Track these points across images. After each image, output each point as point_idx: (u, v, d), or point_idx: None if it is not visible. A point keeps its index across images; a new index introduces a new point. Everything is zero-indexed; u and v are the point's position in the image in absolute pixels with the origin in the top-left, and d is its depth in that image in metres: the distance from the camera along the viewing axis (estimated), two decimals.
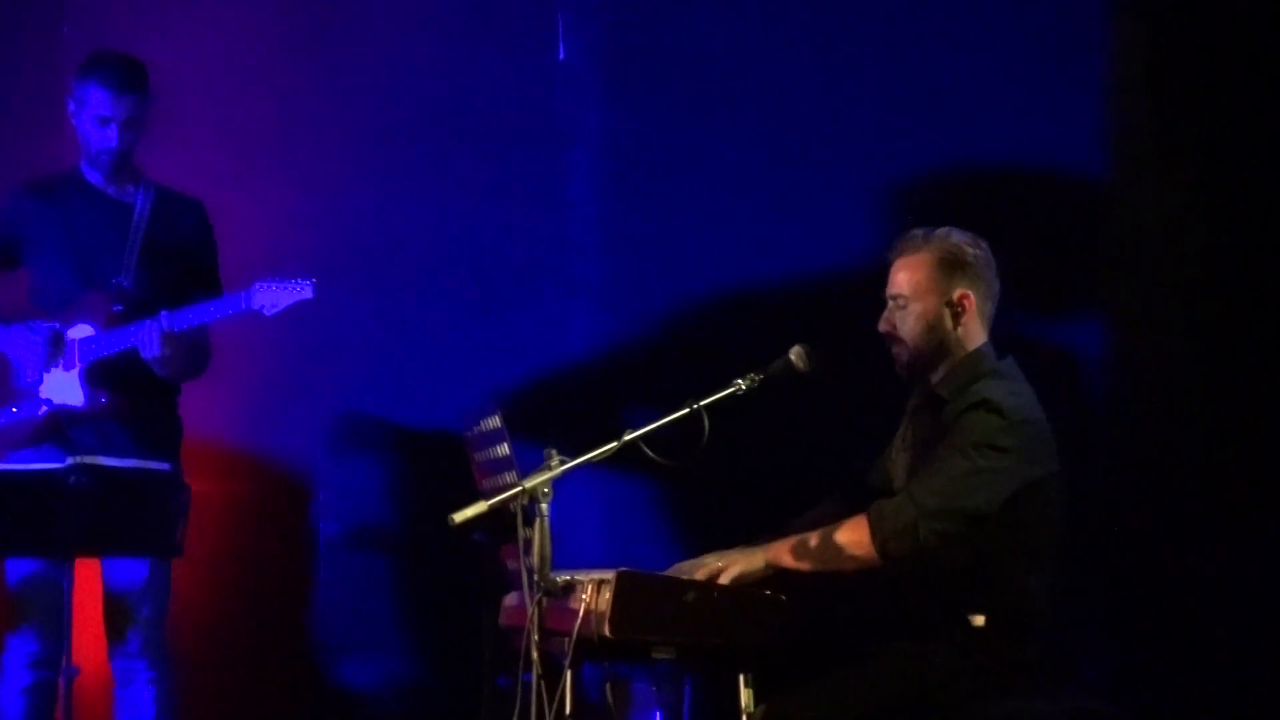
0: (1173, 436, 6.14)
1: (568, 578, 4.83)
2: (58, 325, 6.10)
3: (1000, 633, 5.04)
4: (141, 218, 6.19)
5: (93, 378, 6.07)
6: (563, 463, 4.73)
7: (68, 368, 6.08)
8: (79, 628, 5.87)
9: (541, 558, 4.68)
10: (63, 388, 6.08)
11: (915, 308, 5.19)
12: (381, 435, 7.16)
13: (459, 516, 4.65)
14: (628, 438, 4.83)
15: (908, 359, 5.23)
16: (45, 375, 6.08)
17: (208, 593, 6.84)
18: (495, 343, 7.12)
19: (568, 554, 4.87)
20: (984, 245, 5.23)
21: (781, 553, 5.04)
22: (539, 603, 4.69)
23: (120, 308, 6.09)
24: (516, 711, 4.76)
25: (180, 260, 6.22)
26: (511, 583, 5.08)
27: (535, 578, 4.69)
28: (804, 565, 5.02)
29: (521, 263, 7.21)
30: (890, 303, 5.25)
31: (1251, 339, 5.98)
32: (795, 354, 5.07)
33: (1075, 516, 5.21)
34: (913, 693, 5.00)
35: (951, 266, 5.19)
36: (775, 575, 5.03)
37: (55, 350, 6.08)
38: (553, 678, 4.73)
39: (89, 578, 6.11)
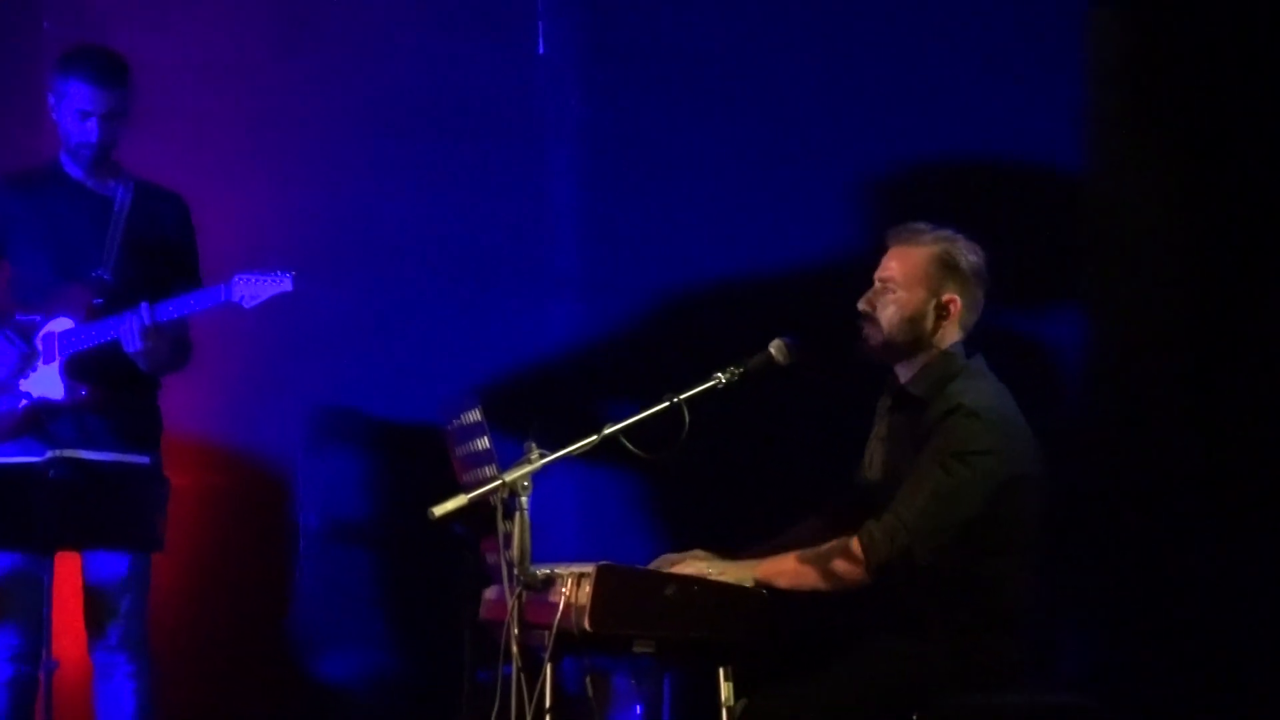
0: (1152, 430, 6.14)
1: (548, 571, 4.81)
2: (38, 322, 6.09)
3: (983, 629, 5.05)
4: (122, 211, 6.17)
5: (72, 371, 6.06)
6: (543, 456, 4.73)
7: (47, 361, 6.07)
8: (59, 621, 5.88)
9: (521, 551, 4.69)
10: (42, 381, 6.07)
11: (901, 296, 5.19)
12: (361, 428, 7.14)
13: (439, 510, 4.65)
14: (608, 431, 4.83)
15: (878, 343, 5.21)
16: (20, 381, 6.07)
17: (188, 586, 6.82)
18: (475, 336, 7.11)
19: (548, 547, 4.86)
20: (983, 257, 5.23)
21: (774, 574, 5.02)
22: (519, 596, 4.69)
23: (100, 301, 6.07)
24: (496, 705, 4.75)
25: (161, 254, 6.21)
26: (491, 576, 5.06)
27: (515, 571, 4.69)
28: (794, 585, 5.01)
29: (501, 256, 7.19)
30: (877, 284, 5.24)
31: (1231, 330, 5.98)
32: (775, 348, 5.06)
33: (1055, 512, 5.20)
34: (894, 688, 5.00)
35: (948, 268, 5.19)
36: None
37: (24, 365, 6.06)
38: (533, 671, 4.72)
39: (69, 571, 6.09)
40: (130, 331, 5.95)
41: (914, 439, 5.13)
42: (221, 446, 7.04)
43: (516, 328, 7.15)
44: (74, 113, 6.11)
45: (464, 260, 7.17)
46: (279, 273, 5.94)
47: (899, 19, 6.65)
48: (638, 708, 5.59)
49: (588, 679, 5.03)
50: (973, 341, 5.24)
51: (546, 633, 4.77)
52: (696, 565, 5.08)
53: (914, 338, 5.20)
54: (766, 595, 4.95)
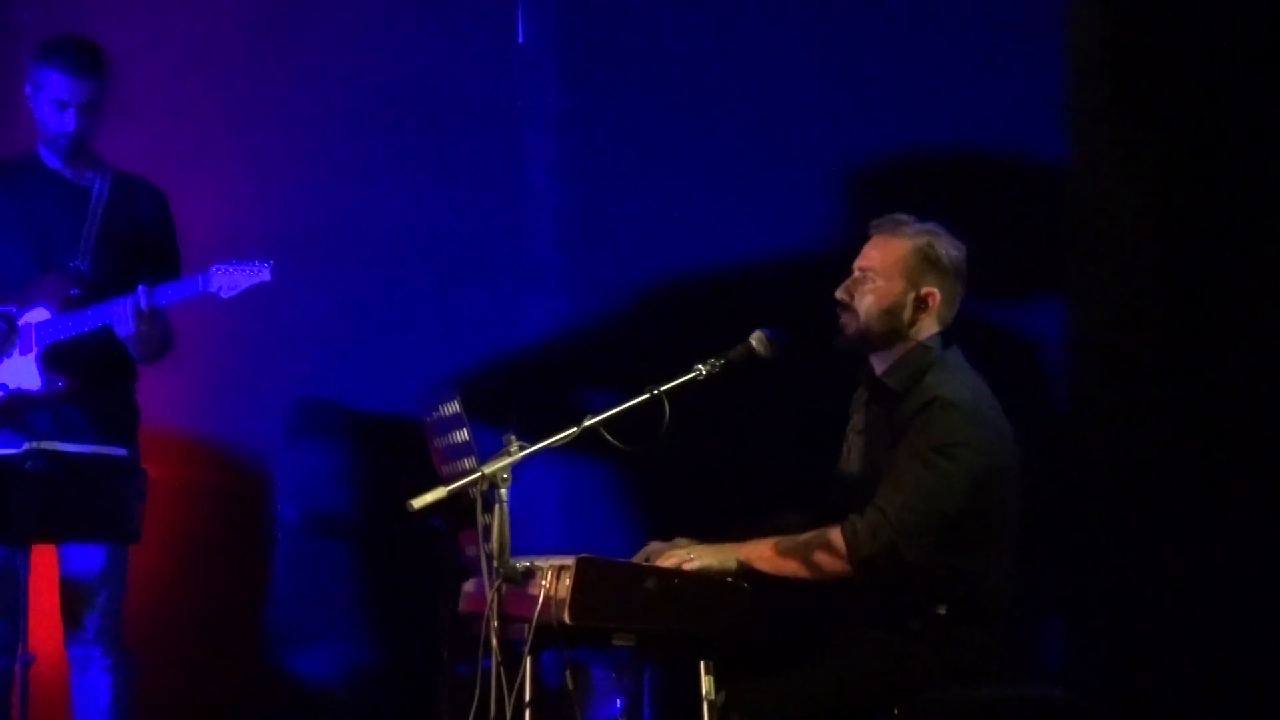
0: (1133, 423, 6.13)
1: (527, 564, 4.80)
2: (14, 313, 6.06)
3: (962, 621, 5.05)
4: (99, 201, 6.17)
5: (49, 362, 6.05)
6: (522, 448, 4.70)
7: (24, 352, 6.05)
8: (35, 614, 5.83)
9: (501, 544, 4.66)
10: (19, 372, 6.06)
11: (879, 286, 5.18)
12: (340, 421, 7.14)
13: (418, 502, 4.63)
14: (588, 423, 4.80)
15: (854, 332, 5.21)
16: None
17: (165, 579, 6.82)
18: (454, 327, 7.10)
19: (527, 540, 4.84)
20: (964, 253, 5.22)
21: (755, 558, 5.01)
22: (498, 589, 4.66)
23: (77, 291, 6.07)
24: (476, 698, 4.72)
25: (139, 245, 6.20)
26: (471, 569, 5.04)
27: (495, 564, 4.66)
28: (777, 572, 5.00)
29: (480, 247, 7.18)
30: (856, 273, 5.23)
31: (1213, 322, 5.98)
32: (756, 339, 5.04)
33: (1034, 505, 5.21)
34: (875, 681, 5.01)
35: (929, 261, 5.19)
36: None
37: (4, 345, 6.04)
38: (512, 664, 4.69)
39: (45, 564, 6.07)
40: (124, 315, 5.93)
41: (891, 431, 5.12)
42: (199, 439, 7.05)
43: (496, 319, 7.15)
44: (51, 103, 6.10)
45: (442, 251, 7.17)
46: (257, 263, 5.94)
47: (881, 10, 6.64)
48: (618, 701, 5.60)
49: (568, 672, 5.04)
50: (950, 335, 5.23)
51: (526, 626, 4.75)
52: (678, 553, 5.06)
53: (890, 329, 5.19)
54: (747, 588, 4.93)
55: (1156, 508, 6.03)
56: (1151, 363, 6.11)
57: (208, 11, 7.11)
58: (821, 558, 4.97)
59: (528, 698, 4.72)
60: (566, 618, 4.73)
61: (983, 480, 5.01)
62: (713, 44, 6.90)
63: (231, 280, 5.91)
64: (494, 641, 4.65)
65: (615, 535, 6.62)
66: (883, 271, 5.19)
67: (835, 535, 4.97)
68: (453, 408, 4.97)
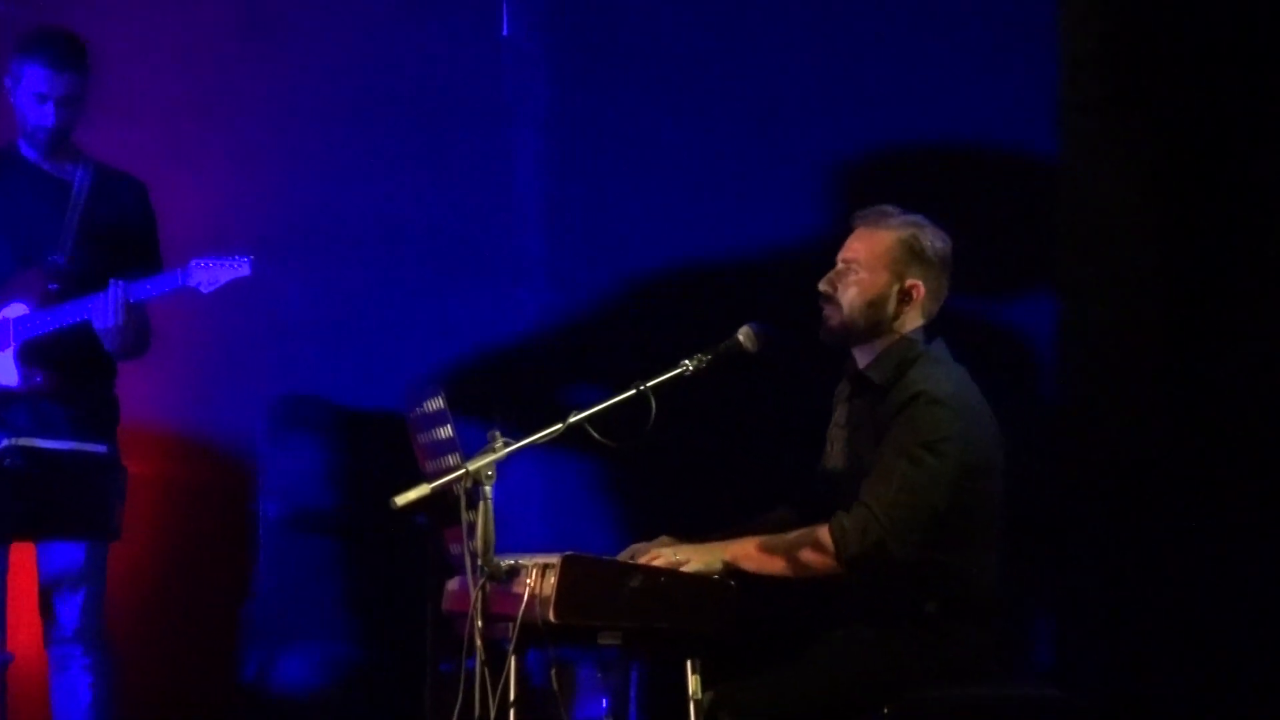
0: (1125, 420, 6.13)
1: (512, 562, 4.78)
2: None
3: (952, 619, 5.02)
4: (80, 195, 6.14)
5: (27, 357, 6.01)
6: (507, 445, 4.68)
7: (2, 348, 6.02)
8: (14, 613, 5.90)
9: (485, 542, 4.63)
10: None
11: (863, 277, 5.14)
12: (323, 416, 7.12)
13: (401, 500, 4.61)
14: (573, 419, 4.78)
15: (837, 324, 5.17)
16: None
17: (146, 577, 6.81)
18: (439, 322, 7.10)
19: (512, 538, 4.82)
20: (950, 245, 5.19)
21: (742, 556, 4.98)
22: (482, 587, 4.64)
23: (56, 286, 6.04)
24: (460, 698, 4.70)
25: (119, 239, 6.16)
26: (454, 567, 5.00)
27: (479, 562, 4.64)
28: (764, 571, 4.98)
29: (465, 241, 7.18)
30: (840, 264, 5.19)
31: (1205, 318, 5.97)
32: (744, 334, 5.02)
33: (1027, 502, 5.20)
34: (864, 680, 4.98)
35: (914, 253, 5.14)
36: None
37: None
38: (497, 664, 4.67)
39: (23, 561, 6.06)
40: (101, 310, 5.91)
41: (875, 426, 5.10)
42: (180, 434, 7.03)
43: (480, 314, 7.15)
44: (31, 96, 6.08)
45: (427, 245, 7.17)
46: (237, 257, 5.92)
47: (872, 3, 6.63)
48: (604, 701, 5.63)
49: (553, 671, 5.00)
50: (941, 329, 5.21)
51: (511, 625, 4.73)
52: (663, 553, 5.03)
53: (874, 321, 5.15)
54: (734, 586, 4.91)
55: (1150, 505, 6.02)
56: (1143, 358, 6.11)
57: (191, 5, 7.10)
58: (809, 556, 4.94)
59: (512, 697, 4.69)
60: (552, 616, 4.70)
61: (969, 475, 4.98)
62: (701, 35, 6.90)
63: (211, 275, 5.90)
64: (478, 641, 4.62)
65: (601, 533, 6.61)
66: (867, 263, 5.15)
67: (823, 533, 4.94)
68: (437, 403, 4.94)
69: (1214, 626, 5.88)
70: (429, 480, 4.65)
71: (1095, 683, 5.97)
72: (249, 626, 7.06)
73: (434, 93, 7.15)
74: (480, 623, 4.63)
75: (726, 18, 6.85)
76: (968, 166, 6.42)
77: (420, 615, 5.59)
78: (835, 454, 5.32)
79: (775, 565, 4.96)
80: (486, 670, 4.62)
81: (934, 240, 5.16)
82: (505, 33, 7.20)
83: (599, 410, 4.80)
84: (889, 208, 5.21)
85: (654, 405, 4.81)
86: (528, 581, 4.76)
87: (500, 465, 4.65)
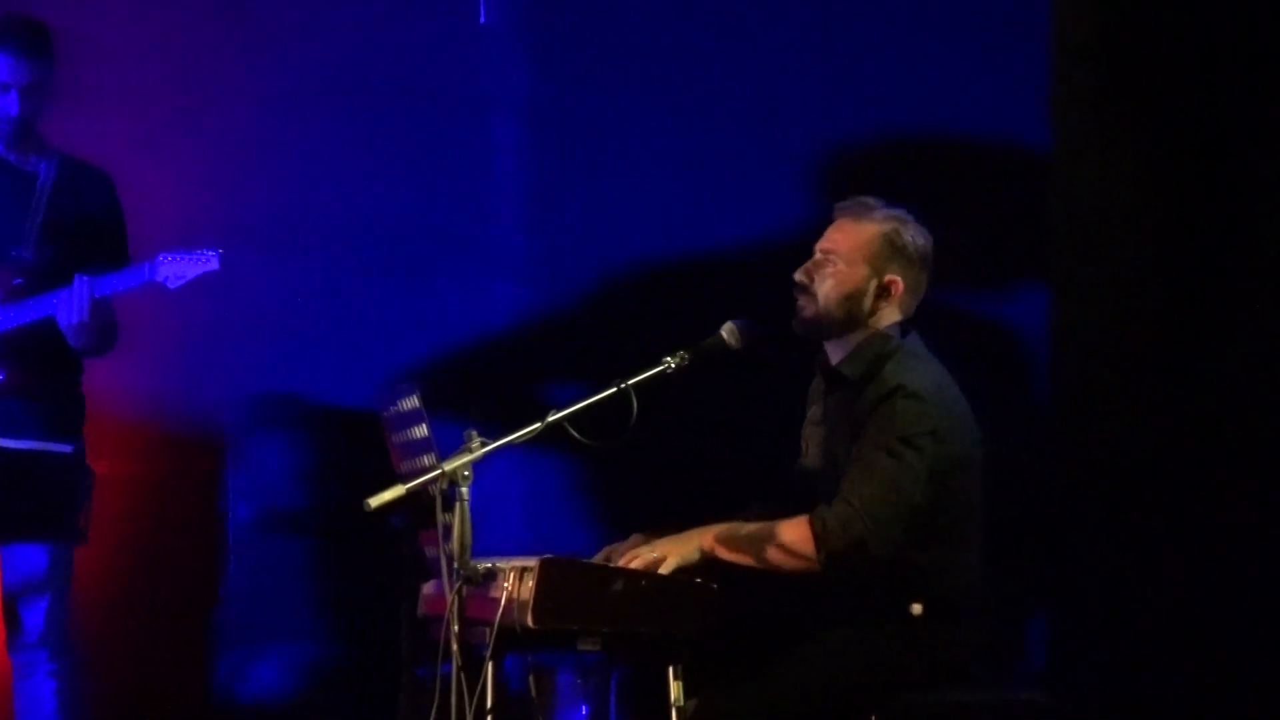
0: (1117, 416, 6.10)
1: (489, 565, 4.74)
2: None
3: (937, 619, 5.00)
4: (45, 188, 6.06)
5: None
6: (484, 444, 4.64)
7: None
8: None
9: (461, 544, 4.61)
10: None
11: (841, 270, 5.11)
12: (295, 414, 7.09)
13: (375, 501, 4.57)
14: (552, 418, 4.75)
15: (811, 316, 5.14)
16: None
17: (113, 580, 6.74)
18: (415, 317, 7.06)
19: (489, 540, 4.80)
20: (931, 242, 5.17)
21: (717, 544, 4.97)
22: (459, 591, 4.61)
23: (20, 281, 5.96)
24: (435, 704, 4.68)
25: (85, 232, 6.08)
26: (430, 570, 4.99)
27: (455, 565, 4.62)
28: (739, 559, 4.95)
29: (442, 234, 7.14)
30: (818, 255, 5.17)
31: (1198, 313, 5.95)
32: (728, 330, 5.00)
33: (1017, 501, 5.27)
34: (849, 684, 4.96)
35: (894, 248, 5.12)
36: (708, 563, 4.97)
37: None
38: (473, 669, 4.65)
39: None
40: (66, 305, 5.83)
41: (851, 422, 5.08)
42: (149, 433, 6.97)
43: (457, 310, 7.12)
44: None
45: (403, 240, 7.12)
46: (205, 251, 5.86)
47: None
48: (583, 708, 5.56)
49: (531, 677, 5.07)
50: (911, 323, 5.20)
51: (488, 629, 4.70)
52: (639, 552, 5.01)
53: (849, 315, 5.13)
54: (716, 589, 4.87)
55: (1143, 503, 6.02)
56: (1137, 354, 6.11)
57: None
58: (789, 550, 4.92)
59: (489, 704, 4.66)
60: (530, 621, 4.68)
61: (948, 470, 4.98)
62: (683, 25, 6.86)
63: (179, 269, 5.83)
64: (454, 645, 4.61)
65: (580, 534, 6.58)
66: (845, 255, 5.13)
67: (803, 527, 4.91)
68: (412, 402, 4.93)
69: (1211, 627, 5.85)
70: (404, 481, 4.62)
71: (1088, 684, 5.95)
72: (220, 630, 7.03)
73: (410, 82, 7.11)
74: (456, 627, 4.61)
75: (708, 5, 6.83)
76: (959, 160, 6.40)
77: (395, 619, 5.53)
78: (811, 451, 5.31)
79: (751, 555, 4.94)
80: (463, 676, 4.61)
81: (915, 236, 5.14)
82: (483, 20, 7.19)
83: (579, 409, 4.77)
84: (871, 199, 5.20)
85: (635, 404, 4.78)
86: (505, 585, 4.73)
87: (477, 465, 4.63)
